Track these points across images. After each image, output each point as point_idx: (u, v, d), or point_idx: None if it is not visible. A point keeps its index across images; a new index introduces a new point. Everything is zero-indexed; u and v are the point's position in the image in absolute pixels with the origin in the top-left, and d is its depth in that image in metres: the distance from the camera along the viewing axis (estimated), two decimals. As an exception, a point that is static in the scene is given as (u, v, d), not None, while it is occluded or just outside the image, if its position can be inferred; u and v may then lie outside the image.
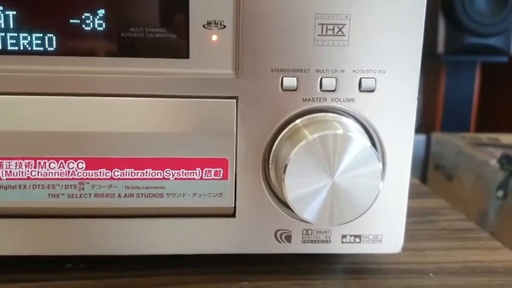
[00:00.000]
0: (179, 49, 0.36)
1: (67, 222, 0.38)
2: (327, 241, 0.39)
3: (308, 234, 0.39)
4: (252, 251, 0.39)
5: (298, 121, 0.37)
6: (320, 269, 0.42)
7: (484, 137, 1.27)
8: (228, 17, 0.36)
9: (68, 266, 0.41)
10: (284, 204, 0.39)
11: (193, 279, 0.40)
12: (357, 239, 0.40)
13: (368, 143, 0.35)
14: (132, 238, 0.38)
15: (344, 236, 0.39)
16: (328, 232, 0.39)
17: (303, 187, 0.35)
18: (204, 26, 0.36)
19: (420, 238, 0.48)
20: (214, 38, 0.36)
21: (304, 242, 0.39)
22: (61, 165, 0.36)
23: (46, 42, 0.36)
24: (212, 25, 0.36)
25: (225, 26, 0.36)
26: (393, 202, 0.39)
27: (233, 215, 0.39)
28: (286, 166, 0.35)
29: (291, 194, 0.35)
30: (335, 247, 0.40)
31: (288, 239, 0.39)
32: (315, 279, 0.41)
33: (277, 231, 0.39)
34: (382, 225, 0.39)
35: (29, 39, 0.36)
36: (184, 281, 0.40)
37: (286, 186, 0.35)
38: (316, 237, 0.39)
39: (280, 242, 0.39)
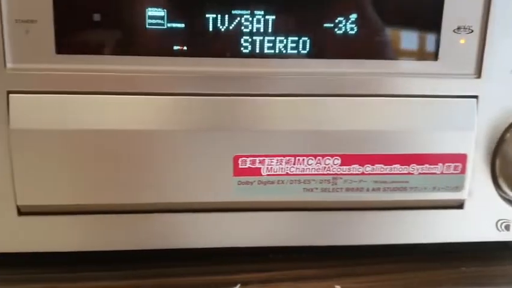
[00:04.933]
0: (429, 52, 0.36)
1: (317, 215, 0.38)
2: (541, 229, 0.40)
3: (525, 223, 0.40)
4: (476, 240, 0.39)
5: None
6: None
7: None
8: (476, 22, 0.35)
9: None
10: (503, 196, 0.39)
11: (415, 266, 0.40)
12: None
13: None
14: (366, 229, 0.38)
15: (555, 225, 0.40)
16: (543, 221, 0.40)
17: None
18: (454, 30, 0.36)
19: None
20: (462, 41, 0.36)
21: (520, 230, 0.40)
22: (318, 162, 0.36)
23: (300, 45, 0.36)
24: (461, 30, 0.36)
25: (472, 31, 0.36)
26: None
27: (461, 207, 0.38)
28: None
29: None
30: (547, 235, 0.40)
31: (507, 227, 0.39)
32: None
33: (498, 221, 0.39)
34: None
35: (284, 43, 0.36)
36: (405, 268, 0.39)
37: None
38: (532, 226, 0.40)
39: (499, 231, 0.39)
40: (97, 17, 0.33)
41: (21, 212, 0.35)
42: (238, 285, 0.36)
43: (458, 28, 0.35)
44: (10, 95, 0.33)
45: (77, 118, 0.33)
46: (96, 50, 0.34)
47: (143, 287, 0.37)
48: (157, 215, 0.37)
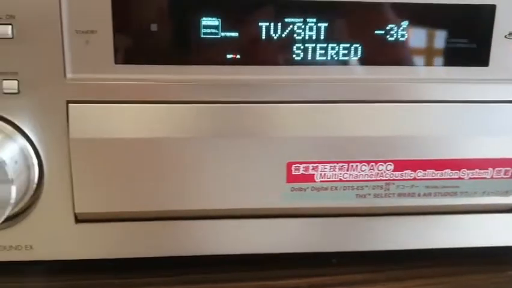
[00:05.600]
0: (480, 58, 0.36)
1: (366, 221, 0.38)
2: None
3: None
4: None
5: None
6: None
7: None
8: (527, 28, 0.36)
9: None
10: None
11: (462, 270, 0.40)
12: None
13: None
14: (415, 233, 0.38)
15: None
16: None
17: None
18: (505, 36, 0.36)
19: None
20: (513, 47, 0.36)
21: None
22: (371, 168, 0.36)
23: (352, 52, 0.36)
24: (513, 35, 0.36)
25: (523, 36, 0.36)
26: None
27: (511, 211, 0.38)
28: None
29: None
30: None
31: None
32: None
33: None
34: None
35: (336, 50, 0.36)
36: (451, 272, 0.40)
37: None
38: None
39: (544, 233, 0.39)
40: (154, 27, 0.33)
41: (78, 219, 0.35)
42: (290, 290, 0.37)
43: (510, 34, 0.36)
44: (70, 104, 0.33)
45: (135, 127, 0.34)
46: (153, 59, 0.34)
47: (194, 292, 0.37)
48: (207, 221, 0.37)
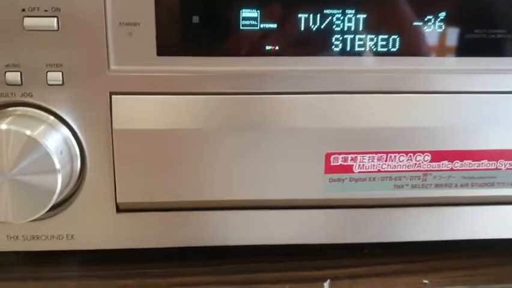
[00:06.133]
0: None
1: (402, 212, 0.38)
2: None
3: None
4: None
5: None
6: None
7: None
8: None
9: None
10: None
11: (502, 261, 0.40)
12: None
13: None
14: (452, 224, 0.38)
15: None
16: None
17: None
18: (545, 26, 0.36)
19: None
20: (550, 37, 0.36)
21: None
22: (409, 158, 0.36)
23: (390, 43, 0.36)
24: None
25: None
26: None
27: (542, 202, 0.39)
28: None
29: None
30: None
31: None
32: None
33: None
34: None
35: (375, 41, 0.36)
36: (491, 262, 0.40)
37: None
38: None
39: None
40: (195, 19, 0.34)
41: (120, 209, 0.36)
42: (328, 281, 0.37)
43: (549, 24, 0.36)
44: (113, 96, 0.34)
45: (177, 118, 0.34)
46: (194, 51, 0.34)
47: (232, 283, 0.37)
48: (247, 212, 0.37)
